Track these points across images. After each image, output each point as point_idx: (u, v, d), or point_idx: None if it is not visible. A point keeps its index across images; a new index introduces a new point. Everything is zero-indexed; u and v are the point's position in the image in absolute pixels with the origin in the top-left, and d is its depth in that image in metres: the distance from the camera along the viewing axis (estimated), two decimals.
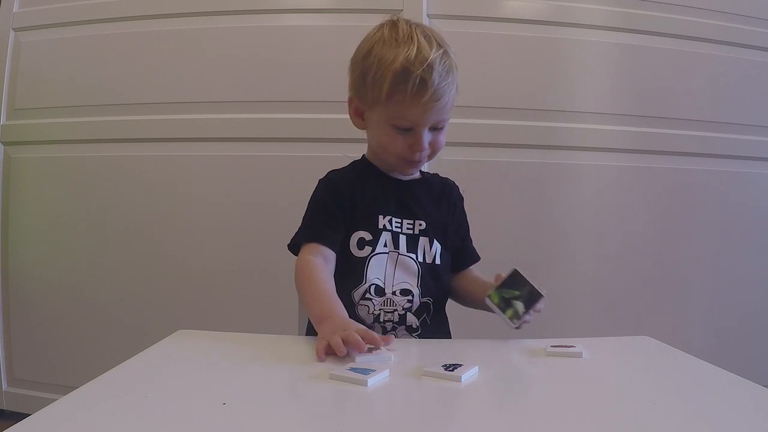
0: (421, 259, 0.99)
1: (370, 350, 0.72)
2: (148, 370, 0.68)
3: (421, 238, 1.00)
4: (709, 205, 1.77)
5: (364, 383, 0.61)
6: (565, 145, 1.71)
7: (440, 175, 1.12)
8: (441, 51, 0.92)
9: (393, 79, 0.89)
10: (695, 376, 0.71)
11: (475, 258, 1.09)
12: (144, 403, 0.56)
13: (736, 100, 1.79)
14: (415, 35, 0.92)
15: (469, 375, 0.65)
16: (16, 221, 1.84)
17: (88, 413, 0.53)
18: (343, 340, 0.71)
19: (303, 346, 0.79)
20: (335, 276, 0.94)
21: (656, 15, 1.74)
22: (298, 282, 0.92)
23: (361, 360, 0.69)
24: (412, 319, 0.96)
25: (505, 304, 0.86)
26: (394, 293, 0.96)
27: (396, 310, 0.96)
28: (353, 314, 0.94)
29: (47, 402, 0.54)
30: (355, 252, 0.96)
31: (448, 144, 1.66)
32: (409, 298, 0.96)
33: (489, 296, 0.88)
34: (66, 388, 0.59)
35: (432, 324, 0.99)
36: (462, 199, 1.11)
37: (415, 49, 0.90)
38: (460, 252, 1.06)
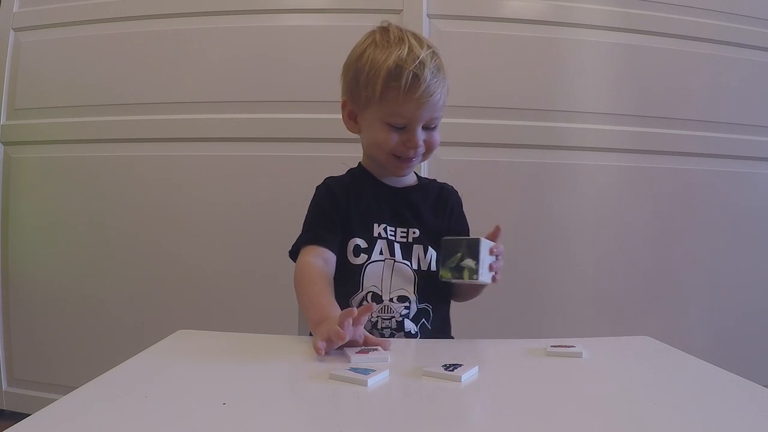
0: (416, 267, 0.99)
1: (366, 351, 0.72)
2: (148, 370, 0.68)
3: (415, 246, 1.00)
4: (709, 205, 1.77)
5: (364, 383, 0.61)
6: (565, 145, 1.71)
7: (438, 180, 1.13)
8: (431, 51, 0.95)
9: (386, 76, 0.92)
10: (695, 376, 0.71)
11: None
12: (144, 403, 0.56)
13: (736, 100, 1.79)
14: (406, 37, 0.95)
15: (469, 375, 0.65)
16: (16, 221, 1.84)
17: (88, 413, 0.53)
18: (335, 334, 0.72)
19: (303, 346, 0.79)
20: (334, 282, 0.94)
21: (656, 15, 1.74)
22: (297, 285, 0.92)
23: (358, 360, 0.69)
24: (410, 325, 0.97)
25: (458, 272, 0.84)
26: (391, 300, 0.96)
27: (393, 317, 0.96)
28: None
29: (47, 402, 0.54)
30: (352, 259, 0.97)
31: (449, 144, 1.69)
32: (406, 304, 0.97)
33: (441, 277, 0.86)
34: (66, 388, 0.59)
35: (433, 329, 0.99)
36: (460, 203, 1.11)
37: (406, 48, 0.93)
38: None
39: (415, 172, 1.12)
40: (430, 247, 1.00)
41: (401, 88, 0.91)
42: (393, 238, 1.00)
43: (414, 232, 1.01)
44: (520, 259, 1.71)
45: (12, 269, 1.85)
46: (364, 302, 0.96)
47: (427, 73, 0.91)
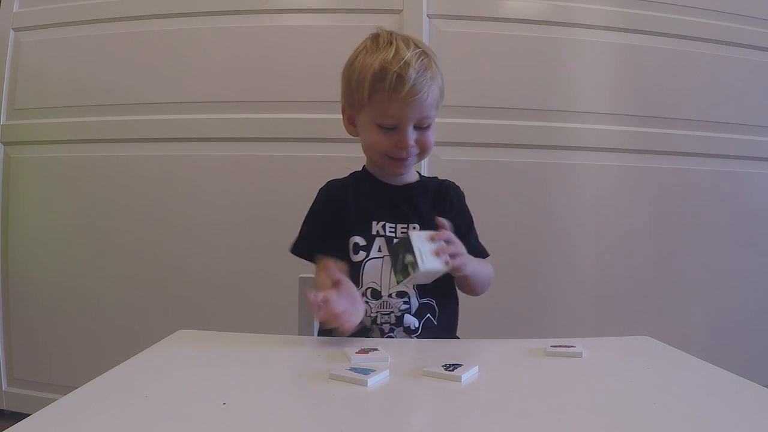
0: None
1: (366, 351, 0.73)
2: (148, 370, 0.68)
3: None
4: (709, 205, 1.77)
5: (364, 383, 0.61)
6: (565, 145, 1.71)
7: (440, 178, 1.13)
8: (419, 51, 0.96)
9: (372, 79, 0.94)
10: (695, 376, 0.71)
11: (479, 254, 1.08)
12: (144, 403, 0.56)
13: (736, 100, 1.79)
14: (394, 41, 0.97)
15: (469, 375, 0.65)
16: (16, 221, 1.84)
17: (88, 413, 0.53)
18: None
19: (303, 346, 0.79)
20: None
21: (656, 15, 1.74)
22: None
23: (358, 360, 0.69)
24: (410, 320, 0.97)
25: (405, 270, 0.86)
26: (390, 296, 0.97)
27: (392, 312, 0.97)
28: None
29: (47, 402, 0.54)
30: (352, 256, 0.99)
31: (449, 144, 1.69)
32: (406, 300, 0.98)
33: (397, 282, 0.89)
34: (66, 388, 0.59)
35: (439, 325, 1.00)
36: (462, 197, 1.11)
37: (393, 51, 0.94)
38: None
39: (417, 171, 1.12)
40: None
41: (386, 89, 0.93)
42: (393, 234, 1.01)
43: (414, 228, 1.01)
44: (520, 258, 1.71)
45: (12, 269, 1.85)
46: (364, 298, 0.97)
47: (412, 73, 0.92)
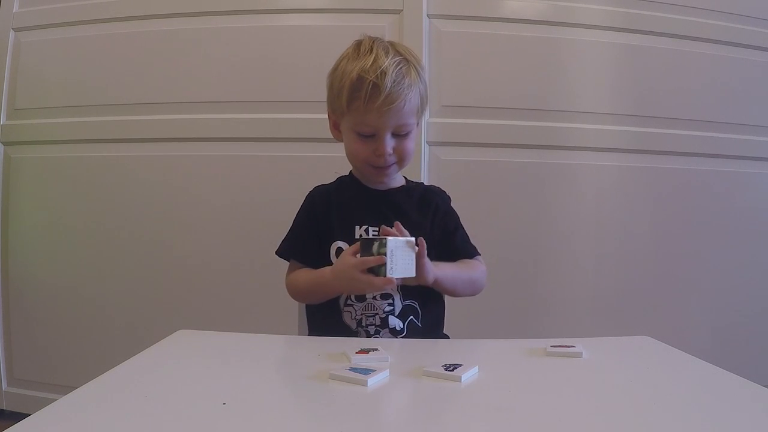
0: None
1: (366, 351, 0.73)
2: (148, 370, 0.68)
3: None
4: (709, 205, 1.77)
5: (364, 383, 0.61)
6: (565, 145, 1.71)
7: (425, 183, 1.17)
8: (398, 59, 0.97)
9: (350, 88, 0.96)
10: (695, 376, 0.71)
11: (465, 255, 1.08)
12: (144, 403, 0.56)
13: (736, 100, 1.79)
14: (374, 49, 0.98)
15: (469, 375, 0.65)
16: (16, 221, 1.84)
17: (88, 413, 0.53)
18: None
19: (303, 346, 0.79)
20: None
21: (656, 15, 1.74)
22: (298, 290, 1.02)
23: (358, 360, 0.69)
24: (395, 321, 0.98)
25: (374, 269, 0.87)
26: (374, 297, 0.98)
27: (377, 313, 0.98)
28: (339, 320, 0.99)
29: (47, 402, 0.54)
30: (334, 261, 1.00)
31: (449, 144, 1.69)
32: (390, 301, 0.99)
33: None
34: (66, 388, 0.59)
35: (423, 327, 1.01)
36: (447, 202, 1.12)
37: (371, 59, 0.96)
38: (448, 250, 1.06)
39: (404, 176, 1.12)
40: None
41: (362, 98, 0.94)
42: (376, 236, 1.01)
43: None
44: (520, 258, 1.71)
45: (12, 269, 1.84)
46: (348, 301, 0.99)
47: (388, 81, 0.93)
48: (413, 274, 0.88)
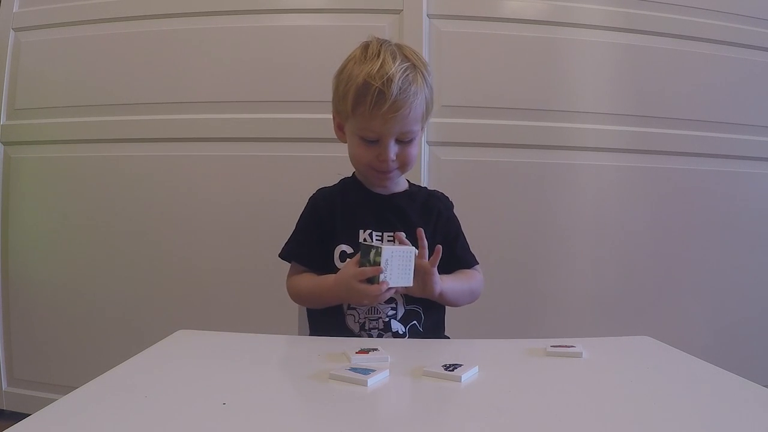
0: None
1: (366, 351, 0.73)
2: (148, 370, 0.68)
3: None
4: (709, 205, 1.77)
5: (364, 383, 0.61)
6: (565, 145, 1.71)
7: (429, 188, 1.15)
8: (405, 65, 0.96)
9: (355, 92, 0.95)
10: (695, 376, 0.71)
11: (465, 264, 1.08)
12: (144, 403, 0.56)
13: (736, 100, 1.78)
14: (382, 53, 0.97)
15: (469, 375, 0.65)
16: (16, 221, 1.84)
17: (88, 413, 0.53)
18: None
19: (303, 346, 0.79)
20: None
21: (656, 15, 1.74)
22: (298, 295, 1.02)
23: (358, 360, 0.69)
24: (397, 326, 0.99)
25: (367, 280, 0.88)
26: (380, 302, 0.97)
27: (380, 317, 0.98)
28: (342, 324, 0.99)
29: (47, 402, 0.54)
30: (339, 265, 1.00)
31: (449, 144, 1.69)
32: (393, 306, 0.99)
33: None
34: (66, 388, 0.59)
35: (425, 331, 1.01)
36: (450, 207, 1.12)
37: (378, 64, 0.95)
38: (448, 258, 1.05)
39: (408, 180, 1.12)
40: (416, 249, 1.01)
41: (368, 104, 0.94)
42: (380, 242, 1.02)
43: (389, 239, 1.02)
44: (520, 258, 1.71)
45: (12, 269, 1.84)
46: (350, 305, 0.99)
47: (394, 89, 0.93)
48: (409, 284, 0.89)
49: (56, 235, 1.82)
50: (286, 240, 1.08)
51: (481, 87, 1.70)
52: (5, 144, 1.86)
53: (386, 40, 1.02)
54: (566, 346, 0.77)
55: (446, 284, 0.97)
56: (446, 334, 1.08)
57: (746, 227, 1.80)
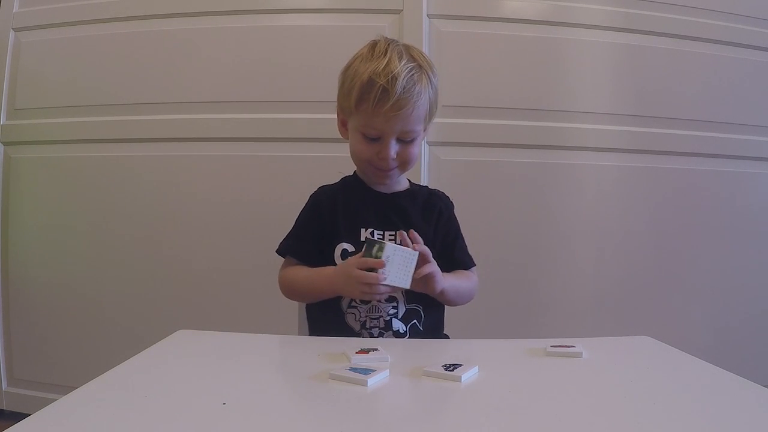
0: None
1: (366, 351, 0.73)
2: (148, 370, 0.68)
3: None
4: (709, 205, 1.77)
5: (364, 383, 0.61)
6: (565, 145, 1.71)
7: (434, 185, 1.16)
8: (411, 65, 0.97)
9: (360, 89, 0.95)
10: (695, 376, 0.71)
11: (462, 266, 1.08)
12: (144, 403, 0.56)
13: (736, 100, 1.78)
14: (389, 52, 0.97)
15: (469, 375, 0.65)
16: (16, 221, 1.84)
17: (88, 413, 0.53)
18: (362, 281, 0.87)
19: (303, 346, 0.79)
20: None
21: (656, 15, 1.74)
22: (290, 288, 1.03)
23: (358, 360, 0.69)
24: (398, 324, 0.99)
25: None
26: (379, 300, 0.98)
27: (381, 316, 0.98)
28: (342, 322, 0.99)
29: (47, 402, 0.54)
30: (340, 263, 1.00)
31: (449, 144, 1.69)
32: (394, 304, 0.99)
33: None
34: (66, 388, 0.59)
35: (425, 330, 1.01)
36: (451, 207, 1.13)
37: (384, 62, 0.95)
38: (447, 259, 1.06)
39: (408, 179, 1.13)
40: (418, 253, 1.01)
41: (371, 101, 0.94)
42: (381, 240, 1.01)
43: (392, 236, 1.02)
44: (520, 258, 1.71)
45: (12, 269, 1.84)
46: (353, 303, 0.99)
47: (398, 87, 0.93)
48: (407, 286, 0.89)
49: (56, 235, 1.82)
50: (284, 238, 1.08)
51: (481, 87, 1.70)
52: (5, 144, 1.86)
53: (394, 40, 1.02)
54: (566, 346, 0.77)
55: (447, 282, 0.97)
56: (446, 332, 1.08)
57: (746, 227, 1.80)
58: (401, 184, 1.10)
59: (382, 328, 0.98)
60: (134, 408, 0.55)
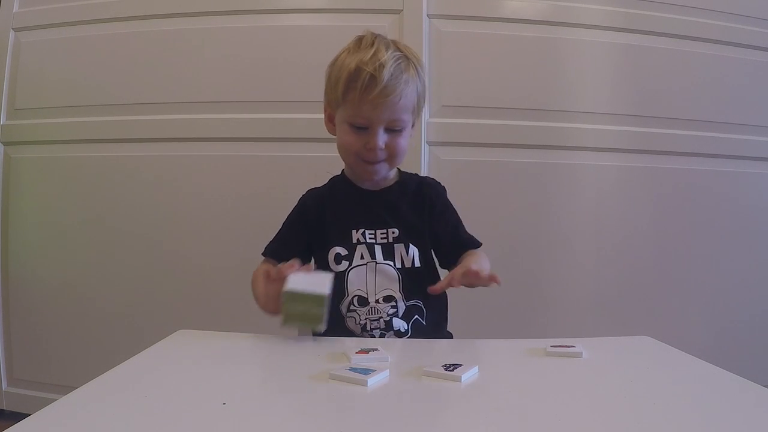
0: (399, 265, 1.01)
1: (366, 351, 0.73)
2: (148, 370, 0.68)
3: (396, 246, 1.02)
4: (709, 205, 1.77)
5: (364, 383, 0.61)
6: (565, 145, 1.71)
7: (420, 174, 1.15)
8: (398, 54, 0.97)
9: (347, 78, 0.95)
10: (695, 376, 0.71)
11: (471, 245, 1.07)
12: (144, 403, 0.56)
13: (736, 100, 1.78)
14: (375, 43, 0.98)
15: (469, 375, 0.65)
16: (16, 221, 1.84)
17: (88, 413, 0.53)
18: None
19: (303, 346, 0.79)
20: None
21: (656, 15, 1.74)
22: (253, 290, 0.99)
23: (358, 360, 0.69)
24: (399, 323, 0.98)
25: (310, 319, 0.81)
26: (377, 301, 0.98)
27: (381, 317, 0.98)
28: (342, 326, 0.99)
29: (47, 402, 0.54)
30: (334, 267, 1.00)
31: (449, 144, 1.69)
32: (393, 303, 0.99)
33: (284, 323, 0.83)
34: (66, 388, 0.59)
35: (428, 325, 1.00)
36: (441, 194, 1.10)
37: (371, 52, 0.96)
38: (454, 242, 1.06)
39: (398, 168, 1.11)
40: (411, 244, 1.02)
41: (358, 88, 0.94)
42: (373, 240, 1.01)
43: (393, 232, 1.02)
44: (520, 258, 1.71)
45: (12, 269, 1.84)
46: (351, 306, 0.99)
47: (386, 74, 0.93)
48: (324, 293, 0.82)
49: (56, 235, 1.82)
50: (270, 240, 1.08)
51: (481, 87, 1.70)
52: (5, 144, 1.86)
53: (380, 34, 1.02)
54: (566, 346, 0.77)
55: (485, 266, 0.95)
56: (449, 330, 1.08)
57: (746, 227, 1.79)
58: (390, 177, 1.09)
59: (383, 329, 0.98)
60: (134, 408, 0.55)
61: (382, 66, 0.93)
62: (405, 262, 1.01)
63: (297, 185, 1.16)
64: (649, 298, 1.75)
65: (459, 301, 1.11)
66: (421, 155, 1.66)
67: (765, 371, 1.72)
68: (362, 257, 1.00)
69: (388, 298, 0.98)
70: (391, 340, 0.95)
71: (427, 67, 1.67)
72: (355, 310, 0.99)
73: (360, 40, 1.01)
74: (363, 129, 0.98)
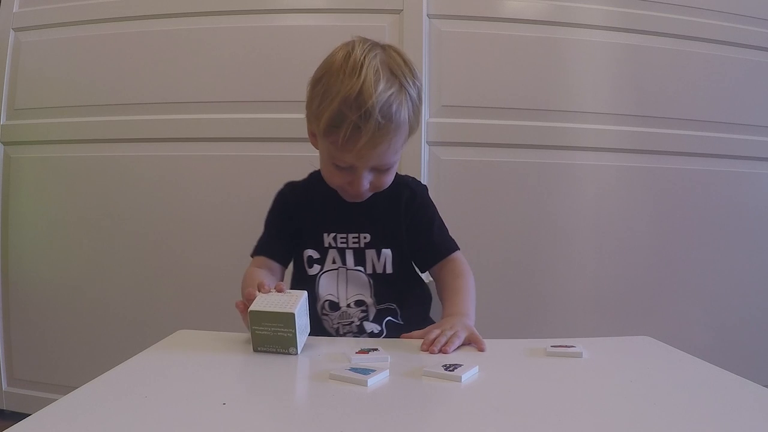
0: (370, 271, 0.99)
1: (366, 351, 0.73)
2: (148, 370, 0.68)
3: (368, 251, 0.99)
4: (709, 205, 1.77)
5: (364, 383, 0.61)
6: (565, 145, 1.71)
7: (399, 173, 1.03)
8: (390, 92, 0.84)
9: (329, 120, 0.85)
10: (695, 376, 0.71)
11: (442, 251, 1.00)
12: (144, 403, 0.56)
13: (736, 100, 1.78)
14: (364, 67, 0.84)
15: (469, 375, 0.65)
16: (16, 221, 1.84)
17: (88, 413, 0.53)
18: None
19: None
20: None
21: (656, 15, 1.74)
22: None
23: (358, 360, 0.69)
24: (371, 326, 0.97)
25: (281, 343, 0.75)
26: (348, 305, 0.97)
27: (352, 321, 0.97)
28: (319, 327, 0.97)
29: (47, 402, 0.54)
30: (307, 269, 0.99)
31: (449, 144, 1.69)
32: (363, 308, 0.98)
33: (256, 348, 0.76)
34: (66, 388, 0.59)
35: (406, 323, 0.97)
36: (421, 192, 1.03)
37: (358, 86, 0.82)
38: (426, 245, 1.01)
39: None
40: (383, 249, 0.99)
41: (340, 136, 0.84)
42: (345, 245, 0.99)
43: (365, 237, 0.99)
44: (520, 258, 1.71)
45: (12, 269, 1.84)
46: (324, 310, 0.98)
47: (372, 125, 0.81)
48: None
49: (56, 235, 1.82)
50: (257, 240, 1.05)
51: (481, 87, 1.70)
52: (5, 144, 1.86)
53: (371, 46, 0.90)
54: (566, 346, 0.77)
55: (471, 312, 0.91)
56: (431, 317, 1.06)
57: (746, 227, 1.79)
58: None
59: (355, 333, 0.97)
60: (134, 408, 0.55)
61: (368, 114, 0.81)
62: (376, 268, 0.98)
63: None
64: (649, 298, 1.75)
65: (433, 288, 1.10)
66: (421, 155, 1.66)
67: (765, 371, 1.72)
68: (334, 261, 0.98)
69: (359, 303, 0.97)
70: (392, 340, 0.95)
71: (427, 67, 1.68)
72: (327, 314, 0.98)
73: (347, 57, 0.87)
74: (346, 168, 0.90)
